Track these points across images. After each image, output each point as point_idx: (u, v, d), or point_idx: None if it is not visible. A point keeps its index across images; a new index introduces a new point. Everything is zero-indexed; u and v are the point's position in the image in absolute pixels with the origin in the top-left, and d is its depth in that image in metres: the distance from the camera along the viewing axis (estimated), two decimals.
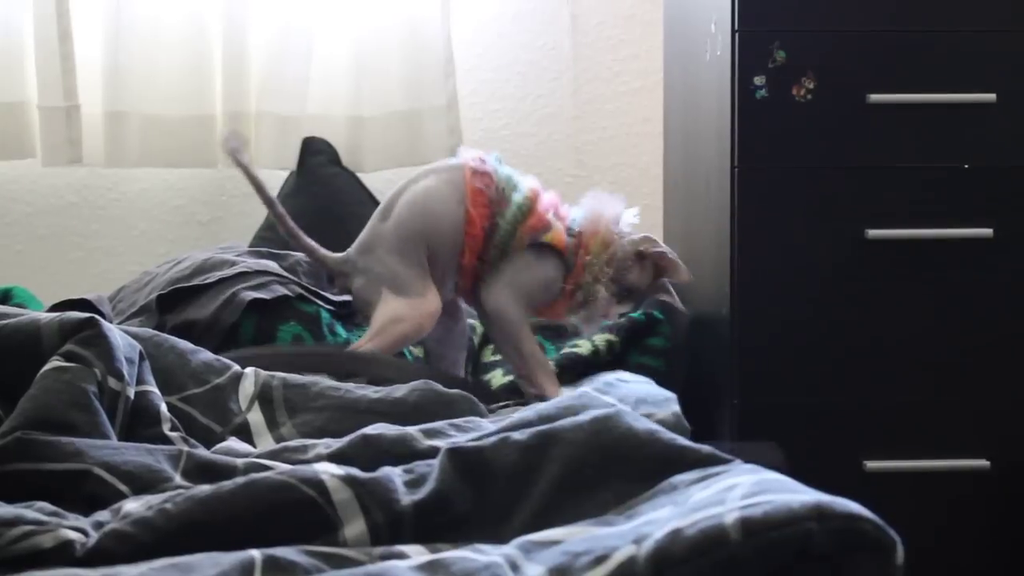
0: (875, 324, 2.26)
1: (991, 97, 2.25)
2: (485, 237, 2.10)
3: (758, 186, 2.24)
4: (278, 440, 1.74)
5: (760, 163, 2.24)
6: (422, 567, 1.19)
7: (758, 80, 2.23)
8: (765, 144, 2.24)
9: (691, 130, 2.56)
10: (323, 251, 2.21)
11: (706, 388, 2.24)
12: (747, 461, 1.37)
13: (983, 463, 2.27)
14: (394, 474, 1.38)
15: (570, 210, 2.15)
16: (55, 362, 1.60)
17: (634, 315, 2.69)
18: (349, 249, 2.19)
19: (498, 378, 2.25)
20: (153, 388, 1.70)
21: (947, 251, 2.26)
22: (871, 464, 2.25)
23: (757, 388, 2.26)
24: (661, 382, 2.03)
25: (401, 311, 2.08)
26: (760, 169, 2.25)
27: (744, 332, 2.26)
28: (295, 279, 2.30)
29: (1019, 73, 2.26)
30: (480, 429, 1.60)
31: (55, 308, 2.11)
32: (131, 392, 1.65)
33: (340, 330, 2.27)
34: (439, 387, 1.84)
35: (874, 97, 2.24)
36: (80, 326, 1.65)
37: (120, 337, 1.68)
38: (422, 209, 2.12)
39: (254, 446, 1.72)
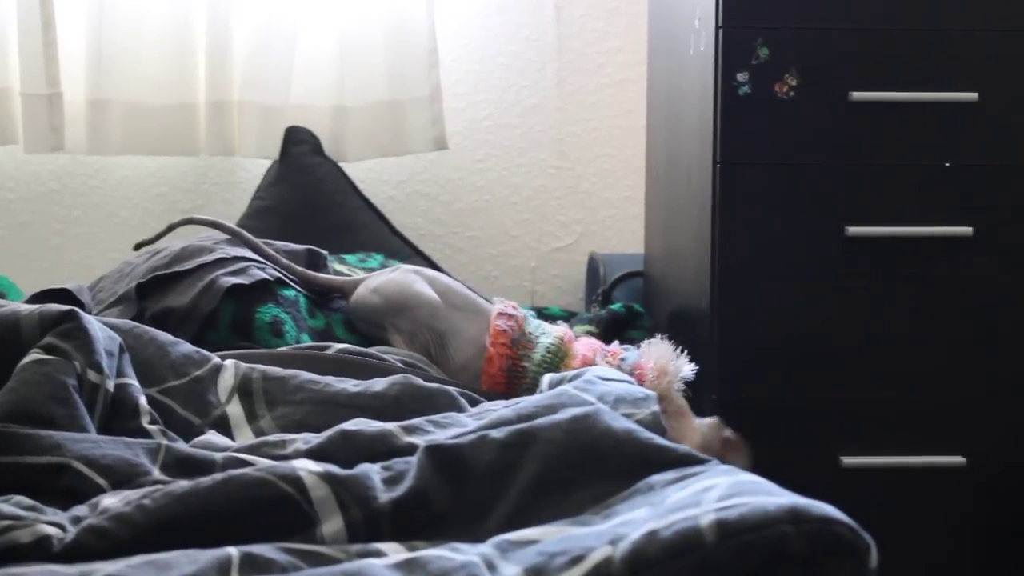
0: (853, 320, 2.27)
1: (973, 96, 2.25)
2: (508, 379, 2.14)
3: (740, 182, 2.25)
4: (257, 433, 1.74)
5: (742, 159, 2.25)
6: (399, 565, 1.20)
7: (741, 76, 2.24)
8: (747, 140, 2.24)
9: (674, 125, 2.56)
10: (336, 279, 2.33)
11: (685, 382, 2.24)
12: None
13: (959, 459, 2.28)
14: (372, 471, 1.38)
15: (626, 352, 2.16)
16: (35, 355, 1.59)
17: (614, 307, 2.71)
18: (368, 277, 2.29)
19: None
20: (133, 381, 1.69)
21: (926, 249, 2.27)
22: (848, 459, 2.26)
23: (736, 382, 2.27)
24: None
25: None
26: (742, 165, 2.25)
27: (723, 327, 2.26)
28: (273, 264, 2.30)
29: (1001, 72, 2.27)
30: (459, 425, 1.60)
31: (35, 298, 2.11)
32: (110, 385, 1.65)
33: (319, 314, 2.27)
34: (419, 381, 1.84)
35: (856, 95, 2.24)
36: (60, 319, 1.65)
37: (100, 330, 1.68)
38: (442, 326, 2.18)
39: (233, 439, 1.72)
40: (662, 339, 2.15)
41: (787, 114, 2.24)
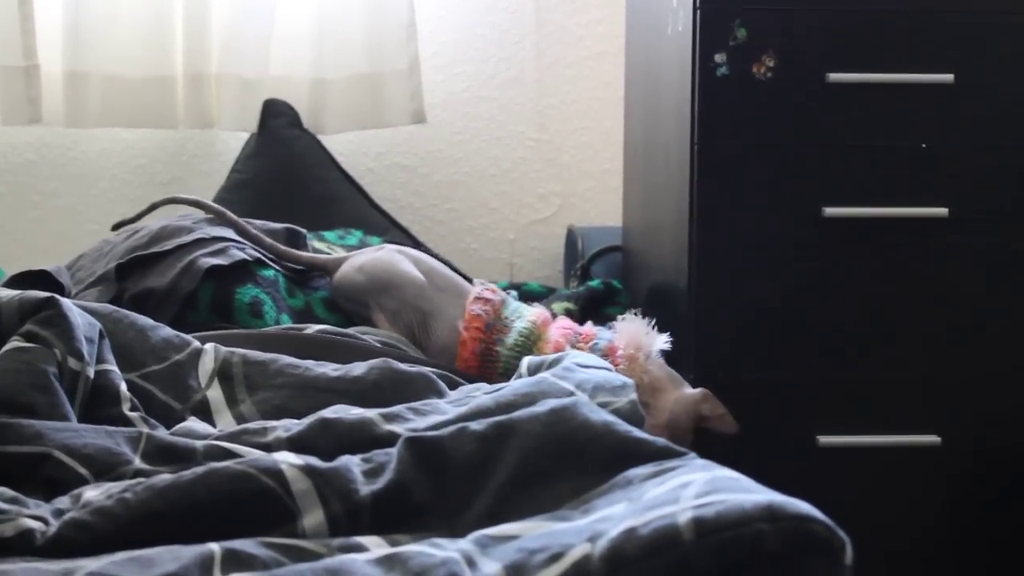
0: (830, 300, 2.28)
1: (949, 78, 2.26)
2: (481, 363, 2.14)
3: (717, 162, 2.26)
4: (237, 418, 1.75)
5: (720, 140, 2.25)
6: (380, 561, 1.21)
7: (719, 57, 2.24)
8: (725, 121, 2.25)
9: (652, 103, 2.56)
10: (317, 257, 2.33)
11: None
12: None
13: (934, 439, 2.30)
14: (352, 464, 1.39)
15: (598, 332, 2.17)
16: (14, 342, 1.60)
17: (592, 283, 2.72)
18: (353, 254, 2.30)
19: None
20: (113, 367, 1.70)
21: (902, 230, 2.28)
22: (824, 439, 2.28)
23: (713, 361, 2.28)
24: None
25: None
26: (719, 146, 2.25)
27: (701, 306, 2.28)
28: (255, 244, 2.30)
29: (977, 55, 2.28)
30: (439, 413, 1.61)
31: (14, 280, 2.11)
32: (91, 372, 1.65)
33: (299, 293, 2.27)
34: (398, 365, 1.84)
35: (833, 76, 2.25)
36: (40, 305, 1.65)
37: (80, 316, 1.68)
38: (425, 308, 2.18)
39: (213, 424, 1.73)
40: (635, 314, 2.17)
41: (765, 95, 2.25)
